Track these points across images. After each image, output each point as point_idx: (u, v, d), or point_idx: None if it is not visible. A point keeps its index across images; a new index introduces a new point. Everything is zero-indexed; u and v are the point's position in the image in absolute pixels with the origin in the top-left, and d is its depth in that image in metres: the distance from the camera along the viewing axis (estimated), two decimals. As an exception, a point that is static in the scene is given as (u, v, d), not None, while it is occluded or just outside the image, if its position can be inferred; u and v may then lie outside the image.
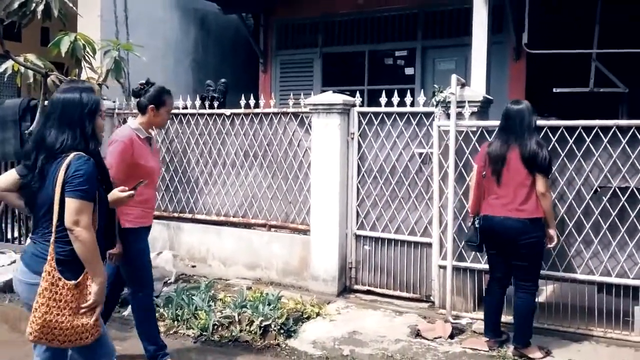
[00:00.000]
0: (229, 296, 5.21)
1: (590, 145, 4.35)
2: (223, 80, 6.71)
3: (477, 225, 4.16)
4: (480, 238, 4.16)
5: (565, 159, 4.43)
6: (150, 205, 3.91)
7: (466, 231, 4.82)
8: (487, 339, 4.24)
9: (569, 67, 6.57)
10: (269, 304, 4.76)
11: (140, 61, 6.93)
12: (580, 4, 6.55)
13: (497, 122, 4.97)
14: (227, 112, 6.10)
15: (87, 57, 6.27)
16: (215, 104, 6.21)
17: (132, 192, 2.99)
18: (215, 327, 4.62)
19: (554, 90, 6.60)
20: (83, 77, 6.51)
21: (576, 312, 4.47)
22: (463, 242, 4.64)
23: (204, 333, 4.55)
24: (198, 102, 6.20)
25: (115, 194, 2.93)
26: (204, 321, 4.63)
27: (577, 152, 4.41)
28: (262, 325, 4.53)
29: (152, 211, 4.00)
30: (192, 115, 6.23)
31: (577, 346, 4.23)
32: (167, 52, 8.54)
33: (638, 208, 4.23)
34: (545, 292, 5.03)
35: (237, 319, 4.65)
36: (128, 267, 3.79)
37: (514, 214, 3.97)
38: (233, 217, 6.09)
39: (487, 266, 4.76)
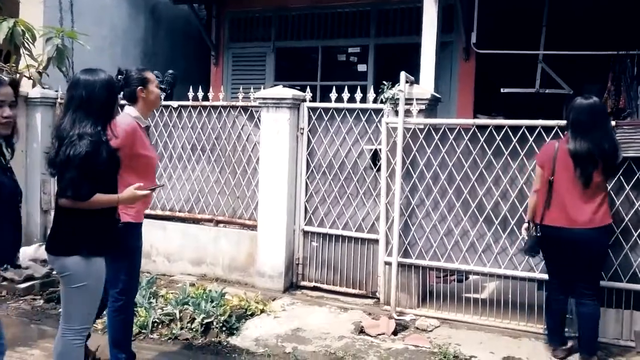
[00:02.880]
0: (171, 292, 5.07)
1: (533, 144, 4.41)
2: (171, 71, 6.53)
3: (537, 234, 3.91)
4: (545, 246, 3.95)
5: (508, 157, 4.49)
6: (149, 200, 3.69)
7: (411, 228, 4.85)
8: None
9: (517, 68, 6.70)
10: (212, 301, 4.66)
11: (86, 50, 6.68)
12: (529, 6, 6.67)
13: (445, 120, 5.05)
14: (175, 104, 5.94)
15: (26, 44, 6.00)
16: (162, 95, 6.02)
17: (148, 192, 3.07)
18: (155, 324, 4.48)
19: (502, 90, 6.72)
20: (22, 64, 6.23)
21: (516, 308, 4.54)
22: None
23: (143, 331, 4.40)
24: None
25: (131, 191, 2.97)
26: (144, 318, 4.48)
27: (520, 151, 4.47)
28: (203, 323, 4.43)
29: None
30: (138, 106, 6.02)
31: (517, 342, 4.29)
32: (115, 42, 8.26)
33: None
34: (488, 289, 5.11)
35: (178, 316, 4.52)
36: (120, 265, 3.43)
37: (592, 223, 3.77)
38: (179, 211, 5.95)
39: (431, 263, 4.81)
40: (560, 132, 4.30)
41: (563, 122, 4.31)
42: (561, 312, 4.04)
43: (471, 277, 5.13)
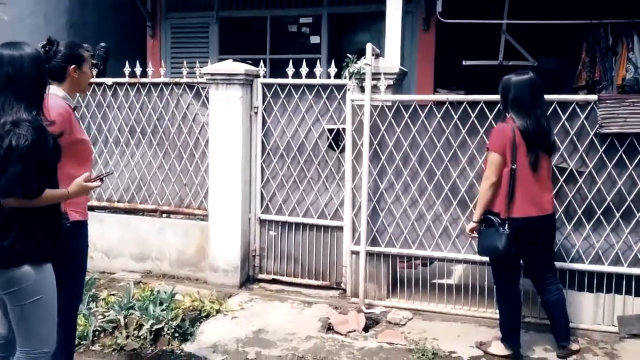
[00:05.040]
0: (114, 294, 4.54)
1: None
2: (103, 44, 5.81)
3: (507, 231, 3.41)
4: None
5: (484, 136, 4.15)
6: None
7: (380, 214, 4.47)
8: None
9: (479, 40, 6.40)
10: (161, 304, 4.15)
11: (3, 20, 5.88)
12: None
13: (415, 96, 4.67)
14: (109, 81, 5.28)
15: None
16: (94, 71, 5.35)
17: (98, 183, 2.80)
18: (97, 333, 3.96)
19: (463, 62, 6.41)
20: None
21: (492, 296, 4.26)
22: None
23: (83, 342, 3.87)
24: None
25: (80, 183, 2.65)
26: (83, 327, 3.94)
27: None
28: (153, 330, 3.94)
29: None
30: (66, 83, 5.31)
31: (496, 333, 4.01)
32: (36, 10, 7.35)
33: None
34: (456, 273, 4.79)
35: (123, 323, 4.02)
36: (65, 271, 2.87)
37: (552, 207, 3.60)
38: (118, 202, 5.32)
39: (402, 250, 4.47)
40: (558, 108, 3.99)
41: (546, 97, 3.99)
42: (519, 307, 3.74)
43: (437, 261, 4.81)
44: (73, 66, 3.00)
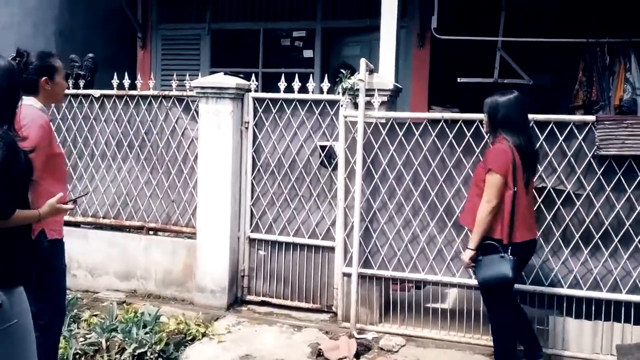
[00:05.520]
0: (96, 315, 4.37)
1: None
2: (90, 55, 5.67)
3: (512, 257, 3.28)
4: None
5: (480, 155, 4.04)
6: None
7: (373, 235, 4.33)
8: None
9: (475, 57, 6.32)
10: (145, 326, 3.99)
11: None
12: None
13: (410, 114, 4.56)
14: (96, 93, 5.14)
15: None
16: (81, 82, 5.22)
17: (72, 206, 2.72)
18: (77, 356, 3.80)
19: (458, 80, 6.32)
20: None
21: (487, 321, 4.13)
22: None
23: (62, 366, 3.70)
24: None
25: (52, 205, 2.53)
26: (63, 350, 3.78)
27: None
28: (135, 354, 3.79)
29: None
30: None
31: (490, 360, 3.89)
32: (25, 19, 7.21)
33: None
34: (450, 297, 4.66)
35: (104, 346, 3.86)
36: (43, 293, 2.82)
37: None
38: (103, 218, 5.16)
39: (395, 273, 4.34)
40: (555, 128, 3.89)
41: (543, 117, 3.91)
42: (516, 336, 3.65)
43: (430, 285, 4.69)
44: (44, 78, 2.90)
